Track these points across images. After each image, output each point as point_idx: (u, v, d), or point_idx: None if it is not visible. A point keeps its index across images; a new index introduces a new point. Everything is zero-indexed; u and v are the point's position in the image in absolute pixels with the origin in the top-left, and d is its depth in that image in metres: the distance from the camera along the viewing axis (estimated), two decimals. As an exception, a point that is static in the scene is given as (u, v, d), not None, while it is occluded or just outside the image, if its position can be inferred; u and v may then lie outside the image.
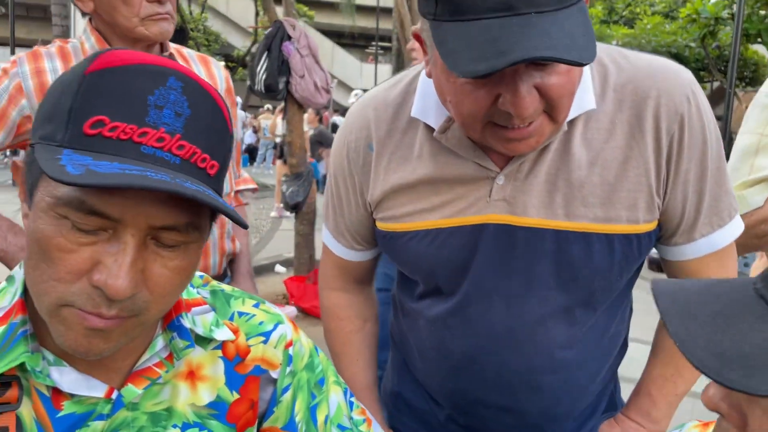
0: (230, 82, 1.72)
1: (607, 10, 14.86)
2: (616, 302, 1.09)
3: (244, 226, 0.72)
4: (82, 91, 0.66)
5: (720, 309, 0.60)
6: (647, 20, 12.98)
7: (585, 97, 0.97)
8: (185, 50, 1.67)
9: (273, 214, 9.47)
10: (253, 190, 1.91)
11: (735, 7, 7.65)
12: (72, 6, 3.85)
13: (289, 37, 5.05)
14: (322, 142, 10.06)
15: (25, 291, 0.78)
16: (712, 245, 1.06)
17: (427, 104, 1.02)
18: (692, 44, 11.56)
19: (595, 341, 1.08)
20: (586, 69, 0.98)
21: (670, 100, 0.97)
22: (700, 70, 14.84)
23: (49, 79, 1.41)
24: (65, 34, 10.28)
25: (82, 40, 1.49)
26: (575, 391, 1.09)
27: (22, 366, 0.75)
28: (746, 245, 1.49)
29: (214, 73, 1.68)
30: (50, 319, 0.70)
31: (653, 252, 1.16)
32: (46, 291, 0.69)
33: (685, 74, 1.00)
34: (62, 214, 0.67)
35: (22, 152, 1.50)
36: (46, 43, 1.57)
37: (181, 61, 1.59)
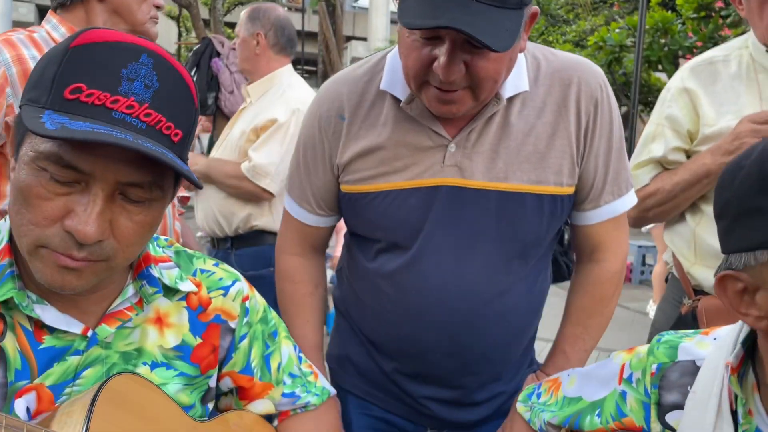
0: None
1: (522, 38, 15.63)
2: (542, 261, 1.28)
3: (198, 186, 0.82)
4: (65, 62, 0.77)
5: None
6: (559, 48, 13.75)
7: (520, 81, 1.17)
8: None
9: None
10: (185, 200, 2.01)
11: (644, 35, 8.27)
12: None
13: (218, 54, 5.11)
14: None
15: (11, 239, 0.86)
16: (613, 211, 1.27)
17: (395, 78, 1.19)
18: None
19: (527, 292, 1.25)
20: (522, 59, 1.18)
21: (588, 87, 1.19)
22: (608, 96, 15.72)
23: (31, 66, 1.46)
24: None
25: (48, 30, 1.56)
26: (510, 337, 1.26)
27: (7, 304, 0.84)
28: (638, 218, 1.72)
29: None
30: (29, 257, 0.80)
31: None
32: (25, 233, 0.79)
33: (598, 70, 1.24)
34: (42, 167, 0.77)
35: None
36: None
37: None
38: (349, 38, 13.93)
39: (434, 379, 1.27)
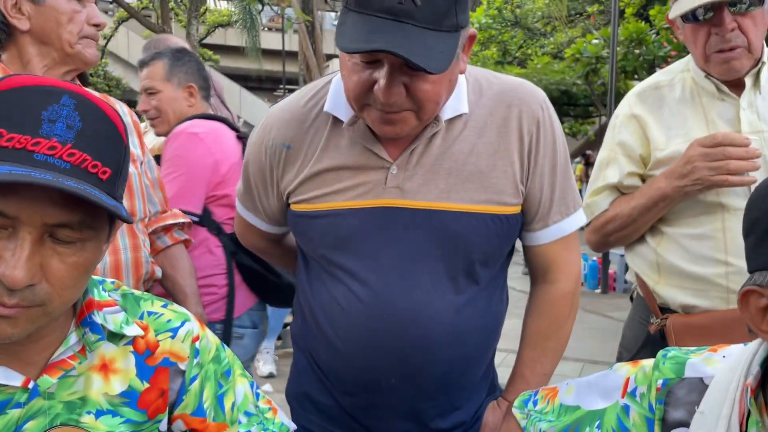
0: (134, 116, 1.79)
1: (501, 51, 15.75)
2: (494, 282, 1.29)
3: (127, 221, 0.82)
4: None
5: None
6: (537, 60, 13.89)
7: (460, 103, 1.20)
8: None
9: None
10: (188, 225, 1.91)
11: (617, 47, 8.36)
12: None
13: (194, 79, 5.11)
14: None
15: None
16: (561, 231, 1.29)
17: (338, 101, 1.21)
18: (579, 81, 12.42)
19: (480, 314, 1.26)
20: (463, 82, 1.21)
21: (528, 108, 1.21)
22: (588, 106, 15.91)
23: None
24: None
25: None
26: (464, 361, 1.25)
27: None
28: (599, 243, 1.74)
29: (116, 108, 1.75)
30: None
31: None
32: None
33: (539, 91, 1.27)
34: None
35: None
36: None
37: None
38: (330, 56, 13.99)
39: (392, 410, 1.26)
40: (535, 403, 1.17)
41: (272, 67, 25.18)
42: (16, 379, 0.86)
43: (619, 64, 8.85)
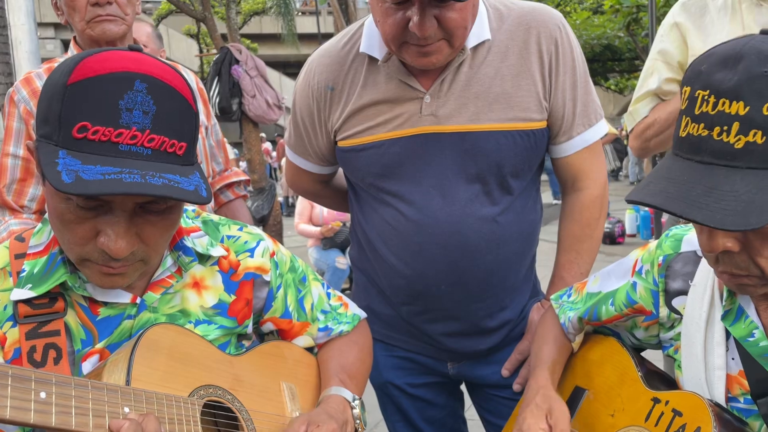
0: (200, 83, 1.95)
1: (538, 12, 15.47)
2: (527, 192, 1.39)
3: (204, 203, 0.89)
4: (66, 100, 0.85)
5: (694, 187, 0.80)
6: (576, 16, 13.61)
7: (482, 31, 1.30)
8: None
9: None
10: (247, 182, 2.14)
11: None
12: (10, 41, 3.91)
13: (237, 61, 5.29)
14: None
15: None
16: (585, 141, 1.39)
17: (372, 41, 1.33)
18: (621, 34, 12.11)
19: (516, 222, 1.37)
20: (483, 11, 1.31)
21: (546, 29, 1.31)
22: (633, 60, 15.48)
23: None
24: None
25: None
26: (505, 265, 1.37)
27: (63, 285, 0.98)
28: (641, 149, 1.82)
29: (185, 77, 1.90)
30: (78, 266, 0.95)
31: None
32: (68, 249, 0.93)
33: (556, 13, 1.36)
34: (67, 197, 0.88)
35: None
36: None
37: None
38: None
39: (445, 314, 1.39)
40: (569, 296, 1.29)
41: (310, 51, 24.99)
42: (125, 297, 1.01)
43: (660, 11, 8.62)
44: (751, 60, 0.78)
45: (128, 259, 0.92)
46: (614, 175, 14.69)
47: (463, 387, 1.60)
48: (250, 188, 5.34)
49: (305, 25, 24.75)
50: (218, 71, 5.23)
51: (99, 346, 0.99)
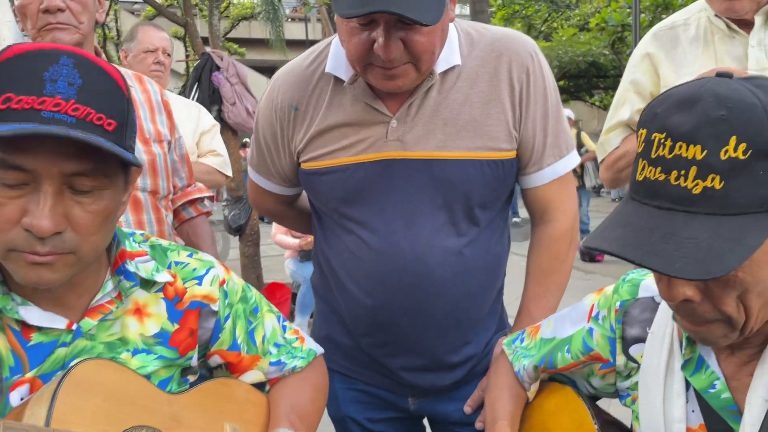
0: (164, 96, 1.87)
1: (526, 26, 15.58)
2: (494, 223, 1.35)
3: (135, 165, 0.88)
4: None
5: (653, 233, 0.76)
6: (562, 33, 13.71)
7: (453, 55, 1.25)
8: (121, 68, 1.81)
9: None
10: (211, 198, 2.05)
11: (639, 14, 8.20)
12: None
13: (218, 68, 5.22)
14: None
15: None
16: (556, 172, 1.34)
17: (338, 62, 1.28)
18: (606, 51, 12.22)
19: (482, 255, 1.32)
20: (454, 35, 1.26)
21: (518, 57, 1.26)
22: (618, 77, 15.63)
23: None
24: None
25: None
26: (469, 298, 1.32)
27: None
28: (612, 180, 1.79)
29: (148, 88, 1.82)
30: (4, 262, 0.89)
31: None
32: None
33: (529, 40, 1.31)
34: None
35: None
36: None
37: None
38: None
39: (406, 347, 1.34)
40: (521, 341, 1.24)
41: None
42: (60, 322, 0.95)
43: (644, 32, 8.69)
44: (707, 103, 0.75)
45: (57, 246, 0.86)
46: (596, 191, 14.79)
47: (426, 422, 1.54)
48: (227, 197, 5.26)
49: (294, 31, 24.71)
50: (198, 77, 5.15)
51: (29, 375, 0.93)
